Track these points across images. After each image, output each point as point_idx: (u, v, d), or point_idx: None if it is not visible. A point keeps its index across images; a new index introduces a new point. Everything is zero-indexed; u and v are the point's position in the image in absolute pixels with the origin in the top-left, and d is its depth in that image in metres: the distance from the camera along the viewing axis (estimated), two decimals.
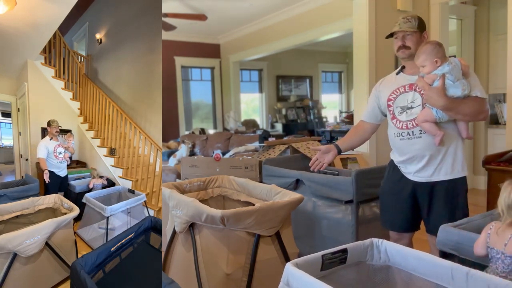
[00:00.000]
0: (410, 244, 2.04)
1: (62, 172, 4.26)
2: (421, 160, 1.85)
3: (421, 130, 1.82)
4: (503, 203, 1.34)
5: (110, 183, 4.66)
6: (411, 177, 1.91)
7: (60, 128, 4.28)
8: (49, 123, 4.24)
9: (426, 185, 1.87)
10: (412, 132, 1.85)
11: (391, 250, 1.42)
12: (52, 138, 4.22)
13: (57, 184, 4.21)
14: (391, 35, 1.94)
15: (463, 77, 1.73)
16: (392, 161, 2.03)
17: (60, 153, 4.21)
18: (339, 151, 2.13)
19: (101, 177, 4.66)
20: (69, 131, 5.19)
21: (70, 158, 4.51)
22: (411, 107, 1.84)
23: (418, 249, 1.39)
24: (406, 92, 1.88)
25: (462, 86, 1.71)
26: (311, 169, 2.18)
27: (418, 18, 1.89)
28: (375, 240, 1.45)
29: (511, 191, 1.33)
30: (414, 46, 1.85)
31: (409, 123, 1.85)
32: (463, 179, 1.85)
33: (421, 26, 1.88)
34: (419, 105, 1.82)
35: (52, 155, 4.15)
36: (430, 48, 1.74)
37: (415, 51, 1.83)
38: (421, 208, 1.93)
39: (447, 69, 1.71)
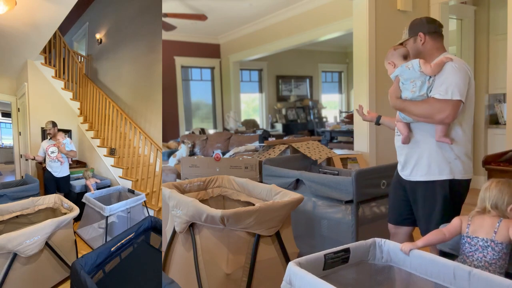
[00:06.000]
0: (410, 240, 2.07)
1: (56, 172, 4.23)
2: (400, 158, 1.96)
3: None
4: (490, 200, 1.46)
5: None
6: (400, 173, 2.00)
7: (50, 128, 4.28)
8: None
9: (409, 183, 1.92)
10: (396, 130, 1.97)
11: (394, 250, 1.42)
12: (51, 138, 4.27)
13: (53, 184, 4.21)
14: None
15: (422, 78, 1.72)
16: None
17: (52, 152, 4.20)
18: (378, 119, 2.24)
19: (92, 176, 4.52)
20: (69, 131, 5.19)
21: (77, 161, 4.49)
22: None
23: (420, 249, 1.39)
24: None
25: (412, 88, 1.75)
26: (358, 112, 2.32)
27: (410, 24, 1.96)
28: (377, 239, 1.45)
29: (498, 191, 1.45)
30: (411, 51, 1.91)
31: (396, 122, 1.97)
32: (444, 183, 1.79)
33: (413, 31, 1.93)
34: None
35: (45, 154, 4.21)
36: (388, 52, 1.88)
37: (413, 55, 1.91)
38: (411, 205, 1.97)
39: (398, 72, 1.80)
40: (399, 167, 2.00)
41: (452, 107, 1.68)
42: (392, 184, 2.13)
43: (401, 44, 1.95)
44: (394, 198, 2.06)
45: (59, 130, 4.48)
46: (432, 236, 1.50)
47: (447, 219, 1.74)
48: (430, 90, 1.72)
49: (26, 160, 5.04)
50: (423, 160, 1.83)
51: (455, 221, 1.52)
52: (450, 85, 1.68)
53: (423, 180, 1.83)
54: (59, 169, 4.26)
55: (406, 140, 1.87)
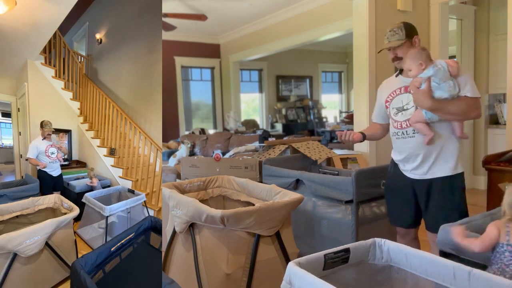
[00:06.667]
0: (416, 239, 2.12)
1: (54, 172, 4.24)
2: (415, 159, 1.93)
3: (414, 130, 1.91)
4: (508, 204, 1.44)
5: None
6: (408, 174, 1.99)
7: (52, 129, 4.27)
8: (41, 125, 4.24)
9: (423, 182, 1.93)
10: (406, 131, 1.95)
11: (394, 250, 1.41)
12: (44, 138, 4.24)
13: (51, 184, 4.21)
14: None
15: (451, 78, 1.77)
16: (393, 159, 2.11)
17: (53, 153, 4.20)
18: (364, 136, 2.21)
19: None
20: (69, 131, 5.18)
21: (66, 159, 4.50)
22: (406, 109, 1.93)
23: (420, 249, 1.39)
24: (402, 94, 1.98)
25: (448, 88, 1.76)
26: (339, 139, 2.26)
27: (405, 26, 1.95)
28: (377, 239, 1.45)
29: None
30: (405, 54, 1.90)
31: (404, 123, 1.95)
32: (459, 176, 1.89)
33: (409, 33, 1.94)
34: (413, 106, 1.90)
35: (44, 155, 4.17)
36: (415, 53, 1.84)
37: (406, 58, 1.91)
38: (420, 205, 1.98)
39: (432, 72, 1.77)
40: (409, 167, 1.97)
41: (479, 104, 1.81)
42: (392, 188, 2.11)
43: (398, 45, 1.93)
44: (401, 201, 2.05)
45: (58, 130, 4.49)
46: (484, 242, 1.44)
47: (463, 209, 1.88)
48: (459, 90, 1.78)
49: (26, 160, 5.04)
50: (442, 158, 1.88)
51: (493, 231, 1.43)
52: (472, 84, 1.78)
53: (441, 176, 1.87)
54: (58, 169, 4.29)
55: (432, 141, 1.86)
